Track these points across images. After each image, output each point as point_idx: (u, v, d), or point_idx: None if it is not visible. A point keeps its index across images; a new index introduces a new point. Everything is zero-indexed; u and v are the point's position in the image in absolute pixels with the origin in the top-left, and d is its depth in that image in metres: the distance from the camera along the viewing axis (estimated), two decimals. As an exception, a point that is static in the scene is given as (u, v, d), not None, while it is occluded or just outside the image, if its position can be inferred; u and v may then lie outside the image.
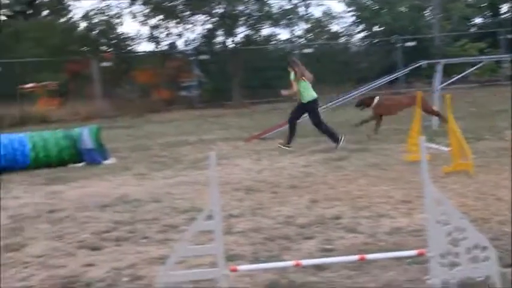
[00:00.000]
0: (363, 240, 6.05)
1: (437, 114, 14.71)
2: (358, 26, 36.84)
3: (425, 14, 37.07)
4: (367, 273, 5.07)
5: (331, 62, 31.95)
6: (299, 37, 34.93)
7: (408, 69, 19.85)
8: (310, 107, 13.06)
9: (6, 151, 12.18)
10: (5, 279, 5.44)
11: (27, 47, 32.13)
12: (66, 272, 5.54)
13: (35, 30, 33.15)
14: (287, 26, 32.79)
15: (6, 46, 32.54)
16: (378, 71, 27.10)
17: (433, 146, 10.89)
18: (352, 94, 17.01)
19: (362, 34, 37.14)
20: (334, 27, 37.05)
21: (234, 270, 4.49)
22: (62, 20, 35.70)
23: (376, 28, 36.27)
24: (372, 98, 14.38)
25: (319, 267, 5.21)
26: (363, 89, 16.62)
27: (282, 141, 13.40)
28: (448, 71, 20.69)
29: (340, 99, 17.21)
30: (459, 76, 19.83)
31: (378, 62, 32.18)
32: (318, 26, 35.98)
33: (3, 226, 7.53)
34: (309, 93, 13.03)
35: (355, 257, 4.80)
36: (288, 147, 13.03)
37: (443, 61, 17.44)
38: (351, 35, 36.79)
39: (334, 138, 12.75)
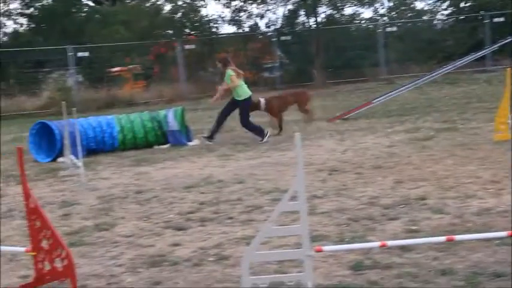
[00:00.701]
0: (450, 221, 5.92)
1: (306, 112, 14.46)
2: (443, 2, 35.85)
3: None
4: (454, 254, 4.97)
5: (415, 40, 31.29)
6: (382, 15, 34.36)
7: (496, 46, 19.27)
8: (244, 105, 12.99)
9: (95, 133, 12.54)
10: (96, 258, 5.62)
11: (114, 31, 32.90)
12: (153, 251, 5.67)
13: (121, 14, 33.87)
14: (370, 4, 32.33)
15: (94, 31, 33.42)
16: (464, 49, 26.42)
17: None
18: (437, 72, 16.61)
19: (447, 11, 36.13)
20: (419, 5, 36.30)
21: (319, 251, 4.48)
22: (148, 3, 36.30)
23: (462, 4, 35.20)
24: (258, 102, 13.62)
25: (404, 248, 5.14)
26: (448, 67, 16.21)
27: (205, 134, 13.36)
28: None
29: (425, 78, 16.83)
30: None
31: (464, 39, 31.22)
32: (402, 4, 35.26)
33: (93, 207, 7.78)
34: (244, 90, 13.00)
35: (442, 238, 4.70)
36: (210, 141, 12.97)
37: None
38: (435, 12, 35.84)
39: (261, 133, 12.77)
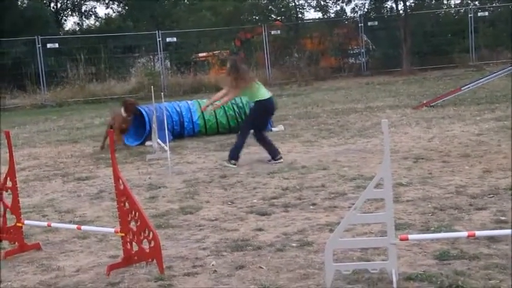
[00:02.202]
0: (541, 213, 5.74)
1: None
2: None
3: None
4: (545, 247, 4.82)
5: (507, 25, 30.26)
6: (472, 0, 33.38)
7: None
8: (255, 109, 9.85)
9: (177, 118, 12.70)
10: (181, 240, 5.74)
11: (201, 16, 33.31)
12: (237, 236, 5.74)
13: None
14: (460, -12, 31.47)
15: (181, 16, 33.93)
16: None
17: None
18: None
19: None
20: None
21: (404, 239, 4.43)
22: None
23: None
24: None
25: (492, 239, 5.02)
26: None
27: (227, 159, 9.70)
28: None
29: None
30: None
31: None
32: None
33: (179, 190, 7.93)
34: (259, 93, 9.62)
35: (533, 230, 4.57)
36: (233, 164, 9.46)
37: None
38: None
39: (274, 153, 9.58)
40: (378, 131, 11.43)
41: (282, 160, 9.38)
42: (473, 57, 28.64)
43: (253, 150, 10.45)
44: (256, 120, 9.68)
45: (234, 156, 9.46)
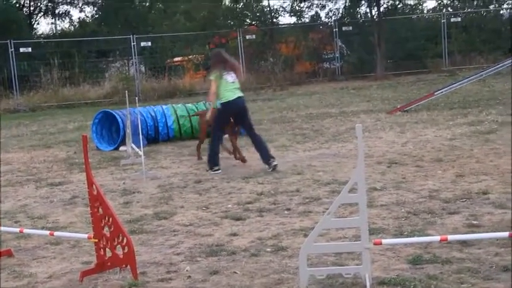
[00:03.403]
0: (513, 217, 5.80)
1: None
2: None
3: None
4: (517, 251, 4.87)
5: (480, 30, 30.60)
6: (446, 6, 33.68)
7: None
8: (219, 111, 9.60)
9: (152, 122, 12.64)
10: (155, 246, 5.71)
11: (176, 21, 33.23)
12: (212, 241, 5.72)
13: (183, 3, 34.15)
14: (433, -6, 31.72)
15: (156, 21, 33.83)
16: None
17: None
18: (503, 64, 16.22)
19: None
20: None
21: (378, 244, 4.45)
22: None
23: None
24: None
25: (465, 243, 5.07)
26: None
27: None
28: None
29: (490, 69, 16.46)
30: None
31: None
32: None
33: (153, 195, 7.89)
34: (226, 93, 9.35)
35: (505, 234, 4.61)
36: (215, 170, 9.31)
37: None
38: (502, 1, 34.88)
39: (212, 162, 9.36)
40: (352, 136, 11.48)
41: (219, 172, 9.12)
42: (446, 63, 28.89)
43: (226, 155, 10.43)
44: (219, 122, 9.48)
45: (214, 162, 9.31)
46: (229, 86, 9.26)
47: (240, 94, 9.38)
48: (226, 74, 9.28)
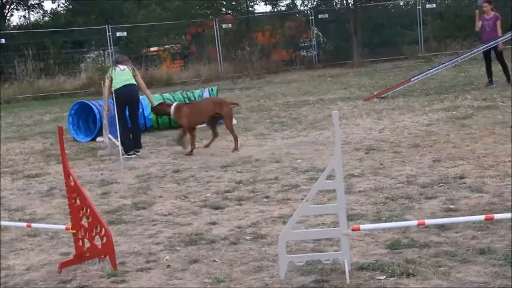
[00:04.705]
0: (489, 200, 5.86)
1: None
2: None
3: None
4: (493, 233, 4.92)
5: (455, 17, 30.75)
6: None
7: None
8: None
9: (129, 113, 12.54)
10: (134, 236, 5.70)
11: (151, 11, 33.01)
12: (191, 230, 5.72)
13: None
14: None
15: (131, 11, 33.58)
16: (506, 25, 25.83)
17: None
18: (477, 50, 16.33)
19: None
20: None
21: (356, 229, 4.47)
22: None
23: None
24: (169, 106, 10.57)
25: (442, 227, 5.11)
26: (489, 44, 15.90)
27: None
28: None
29: (465, 55, 16.57)
30: None
31: (507, 15, 30.44)
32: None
33: (131, 186, 7.87)
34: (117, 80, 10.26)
35: (481, 217, 4.66)
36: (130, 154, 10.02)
37: None
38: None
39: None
40: (330, 123, 11.51)
41: (134, 156, 9.88)
42: (422, 49, 29.01)
43: (205, 144, 10.42)
44: (118, 111, 9.85)
45: (128, 146, 9.95)
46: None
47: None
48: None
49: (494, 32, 15.05)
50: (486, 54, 15.19)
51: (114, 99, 9.66)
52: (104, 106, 10.54)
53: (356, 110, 13.23)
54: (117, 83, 10.12)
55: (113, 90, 9.95)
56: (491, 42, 15.05)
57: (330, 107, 14.18)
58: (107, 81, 10.24)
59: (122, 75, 10.24)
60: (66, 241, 5.54)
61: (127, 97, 10.19)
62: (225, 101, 10.57)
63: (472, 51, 16.33)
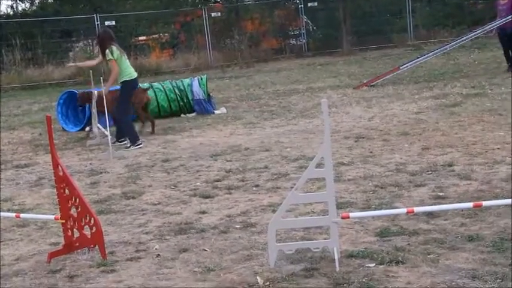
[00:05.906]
0: (477, 188, 5.88)
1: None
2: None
3: None
4: (482, 220, 4.94)
5: (444, 5, 30.76)
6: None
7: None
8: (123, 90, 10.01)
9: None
10: (123, 225, 5.69)
11: (139, 0, 32.85)
12: (180, 219, 5.72)
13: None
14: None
15: (119, 0, 33.40)
16: (494, 12, 25.93)
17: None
18: (466, 37, 16.36)
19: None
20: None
21: (346, 217, 4.48)
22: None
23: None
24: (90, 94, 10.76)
25: (431, 215, 5.13)
26: (477, 31, 15.93)
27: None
28: None
29: (454, 43, 16.59)
30: None
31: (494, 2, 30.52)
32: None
33: (120, 175, 7.85)
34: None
35: (469, 204, 4.68)
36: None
37: None
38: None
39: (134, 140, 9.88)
40: (319, 112, 11.51)
41: (141, 145, 9.73)
42: (411, 37, 29.01)
43: (195, 133, 10.41)
44: (124, 103, 9.91)
45: (134, 138, 9.82)
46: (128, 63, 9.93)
47: None
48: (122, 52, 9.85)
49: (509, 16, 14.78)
50: (502, 39, 15.02)
51: (126, 88, 9.81)
52: (104, 90, 9.81)
53: (345, 98, 13.23)
54: (132, 73, 9.84)
55: (127, 79, 9.75)
56: (496, 22, 14.90)
57: (320, 95, 14.17)
58: (117, 67, 9.64)
59: (130, 65, 9.96)
60: (55, 231, 5.53)
61: (134, 90, 10.17)
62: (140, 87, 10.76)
63: (461, 39, 16.35)
